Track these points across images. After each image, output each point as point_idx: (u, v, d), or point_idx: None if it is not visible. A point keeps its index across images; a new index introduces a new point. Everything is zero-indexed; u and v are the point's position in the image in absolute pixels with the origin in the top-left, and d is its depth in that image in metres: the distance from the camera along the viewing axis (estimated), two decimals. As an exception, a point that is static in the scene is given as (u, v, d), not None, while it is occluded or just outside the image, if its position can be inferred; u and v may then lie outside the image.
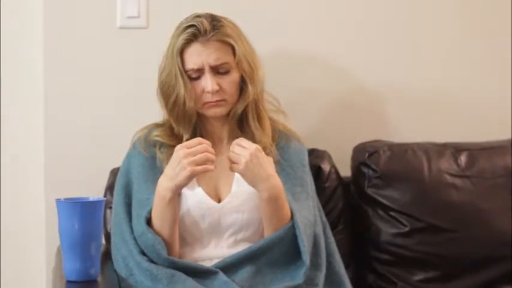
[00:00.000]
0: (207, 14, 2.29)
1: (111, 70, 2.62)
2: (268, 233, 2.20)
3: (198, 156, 2.11)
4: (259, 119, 2.32)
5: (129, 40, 2.62)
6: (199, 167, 2.11)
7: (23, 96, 2.68)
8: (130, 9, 2.61)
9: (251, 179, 2.17)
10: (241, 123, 2.33)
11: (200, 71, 2.26)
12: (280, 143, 2.35)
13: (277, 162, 2.29)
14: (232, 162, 2.16)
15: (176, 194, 2.16)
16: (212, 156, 2.13)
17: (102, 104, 2.62)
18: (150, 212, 2.18)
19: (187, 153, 2.12)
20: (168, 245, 2.16)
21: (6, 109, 2.68)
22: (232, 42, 2.26)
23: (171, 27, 2.32)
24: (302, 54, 2.72)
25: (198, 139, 2.15)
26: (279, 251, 2.18)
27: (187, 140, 2.27)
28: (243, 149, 2.16)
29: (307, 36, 2.73)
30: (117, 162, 2.41)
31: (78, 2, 2.59)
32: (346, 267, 2.37)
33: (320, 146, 2.61)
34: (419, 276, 2.55)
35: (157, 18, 2.61)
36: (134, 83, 2.61)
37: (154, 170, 2.27)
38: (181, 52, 2.26)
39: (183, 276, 2.10)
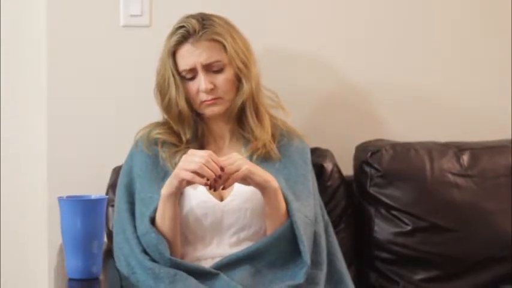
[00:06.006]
0: (199, 13, 2.31)
1: (113, 68, 2.62)
2: (270, 230, 2.20)
3: (193, 164, 2.09)
4: (257, 114, 2.33)
5: (132, 38, 2.62)
6: (189, 174, 2.09)
7: (26, 94, 2.68)
8: (133, 7, 2.61)
9: (260, 172, 2.16)
10: (241, 120, 2.34)
11: (193, 71, 2.28)
12: (281, 141, 2.35)
13: (278, 160, 2.30)
14: (232, 175, 2.12)
15: (172, 191, 2.14)
16: (209, 172, 2.09)
17: (105, 102, 2.63)
18: (154, 211, 2.19)
19: (186, 158, 2.11)
20: (170, 243, 2.17)
21: (9, 108, 2.68)
22: (221, 39, 2.26)
23: (174, 25, 2.33)
24: (305, 53, 2.73)
25: (208, 152, 2.12)
26: (277, 250, 2.18)
27: (187, 139, 2.30)
28: (228, 158, 2.14)
29: (310, 35, 2.73)
30: (120, 160, 2.41)
31: (81, 1, 2.60)
32: (348, 266, 2.37)
33: (322, 145, 2.61)
34: (421, 276, 2.55)
35: (160, 17, 2.62)
36: (137, 82, 2.61)
37: (157, 169, 2.28)
38: (174, 54, 2.28)
39: (184, 275, 2.10)
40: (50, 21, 2.59)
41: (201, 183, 2.11)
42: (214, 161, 2.10)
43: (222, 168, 2.11)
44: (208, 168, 2.09)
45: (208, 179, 2.10)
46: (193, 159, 2.10)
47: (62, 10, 2.59)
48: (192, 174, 2.09)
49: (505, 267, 2.57)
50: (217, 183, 2.12)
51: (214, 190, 2.14)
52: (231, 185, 2.14)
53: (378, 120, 2.79)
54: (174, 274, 2.10)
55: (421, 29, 2.81)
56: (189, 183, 2.13)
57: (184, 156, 2.14)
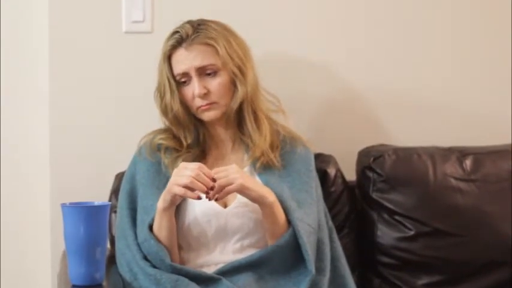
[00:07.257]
0: (198, 19, 2.32)
1: (116, 74, 2.63)
2: (270, 240, 2.21)
3: (184, 178, 2.09)
4: (256, 120, 2.32)
5: (134, 44, 2.63)
6: (181, 190, 2.10)
7: (28, 100, 2.68)
8: (135, 13, 2.62)
9: (254, 186, 2.16)
10: (241, 125, 2.34)
11: (188, 76, 2.28)
12: (284, 148, 2.35)
13: (281, 168, 2.30)
14: (225, 188, 2.12)
15: (166, 205, 2.15)
16: (200, 185, 2.09)
17: (107, 108, 2.63)
18: (153, 219, 2.19)
19: (178, 173, 2.12)
20: (167, 250, 2.17)
21: (11, 113, 2.68)
22: (213, 43, 2.26)
23: (176, 31, 2.33)
24: (307, 58, 2.73)
25: (198, 165, 2.12)
26: (280, 259, 2.18)
27: (188, 144, 2.30)
28: (224, 170, 2.14)
29: (311, 40, 2.73)
30: (122, 166, 2.41)
31: (83, 7, 2.60)
32: (352, 271, 2.37)
33: (325, 151, 2.61)
34: (424, 280, 2.55)
35: (162, 23, 2.61)
36: (139, 88, 2.61)
37: (160, 176, 2.28)
38: (169, 58, 2.29)
39: (186, 280, 2.10)
40: (51, 27, 2.59)
41: (192, 198, 2.11)
42: (205, 174, 2.11)
43: (213, 179, 2.12)
44: (199, 181, 2.09)
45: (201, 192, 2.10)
46: (185, 172, 2.10)
47: (64, 15, 2.60)
48: (183, 190, 2.09)
49: (508, 272, 2.56)
50: (211, 194, 2.12)
51: (209, 200, 2.14)
52: (223, 197, 2.15)
53: (380, 125, 2.79)
54: (176, 280, 2.10)
55: (422, 34, 2.81)
56: (183, 197, 2.14)
57: (175, 170, 2.14)
